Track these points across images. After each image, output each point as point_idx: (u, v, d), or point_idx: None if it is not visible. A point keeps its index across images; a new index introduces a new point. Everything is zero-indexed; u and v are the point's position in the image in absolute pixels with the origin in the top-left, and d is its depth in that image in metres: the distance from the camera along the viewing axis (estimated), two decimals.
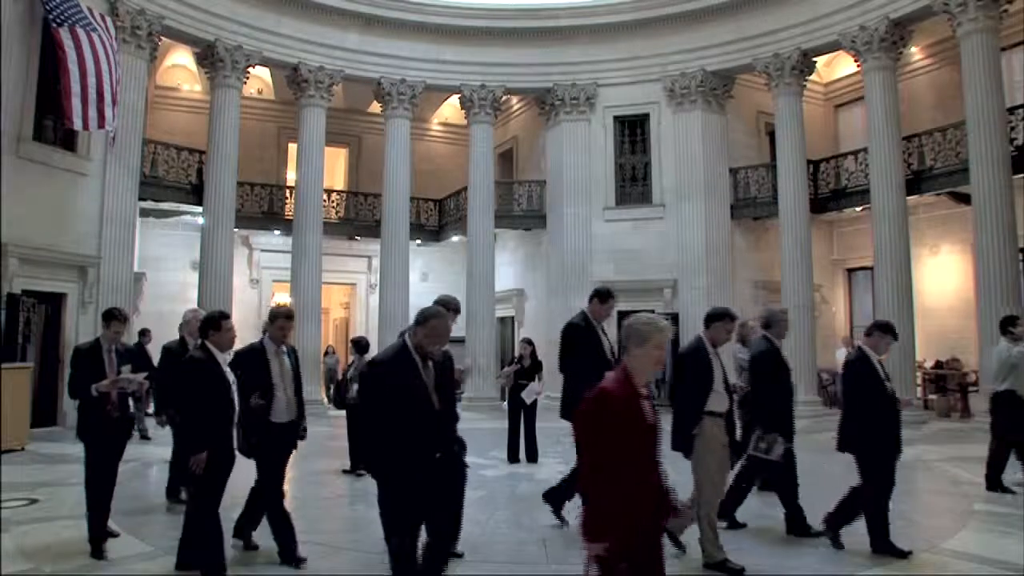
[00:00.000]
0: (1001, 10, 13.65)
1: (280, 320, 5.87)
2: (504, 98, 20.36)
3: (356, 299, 22.84)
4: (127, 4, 14.87)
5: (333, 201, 21.18)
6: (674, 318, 17.82)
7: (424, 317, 4.31)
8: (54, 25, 12.86)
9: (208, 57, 16.98)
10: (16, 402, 11.03)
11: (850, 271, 19.19)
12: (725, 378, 5.75)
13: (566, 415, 6.12)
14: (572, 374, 6.52)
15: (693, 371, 5.67)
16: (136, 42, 15.17)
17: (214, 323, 5.43)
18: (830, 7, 15.99)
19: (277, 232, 20.16)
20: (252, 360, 5.80)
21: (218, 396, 5.20)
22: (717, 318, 5.87)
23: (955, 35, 14.12)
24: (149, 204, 17.09)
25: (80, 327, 14.03)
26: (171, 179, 17.46)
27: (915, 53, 17.56)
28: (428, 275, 22.78)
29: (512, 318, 22.10)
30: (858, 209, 17.01)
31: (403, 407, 4.11)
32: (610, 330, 6.73)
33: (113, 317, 6.18)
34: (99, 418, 5.94)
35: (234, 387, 5.33)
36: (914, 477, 9.28)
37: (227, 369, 5.34)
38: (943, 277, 16.53)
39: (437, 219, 22.66)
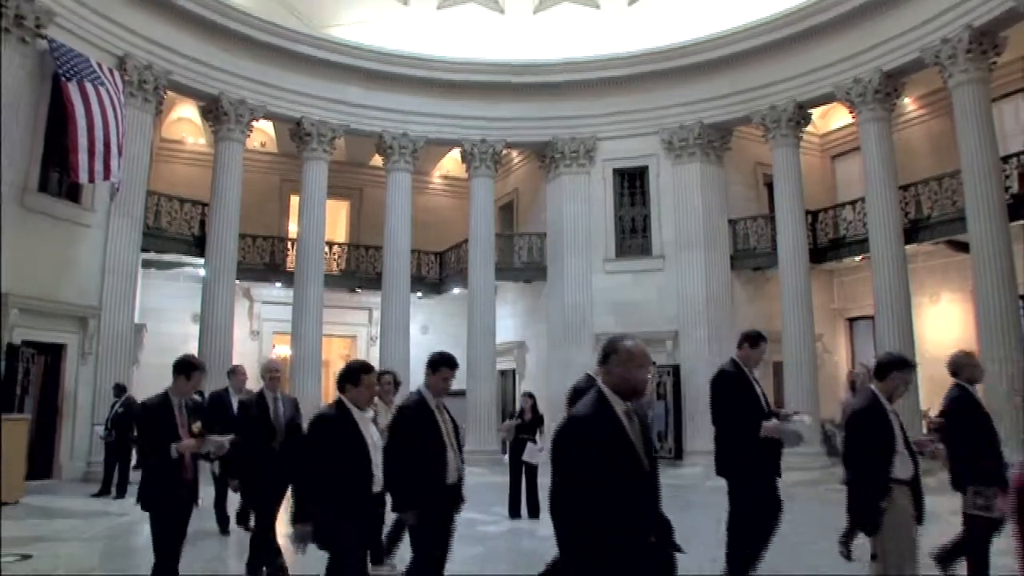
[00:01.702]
0: (990, 62, 13.88)
1: (444, 370, 5.12)
2: (504, 152, 20.60)
3: (356, 351, 22.76)
4: (135, 59, 15.14)
5: (334, 253, 21.27)
6: (675, 370, 17.83)
7: (614, 348, 3.23)
8: (64, 79, 13.10)
9: (212, 111, 17.23)
10: (13, 454, 10.95)
11: (851, 320, 19.18)
12: (906, 437, 4.72)
13: (722, 472, 5.89)
14: (726, 427, 5.94)
15: (872, 432, 4.65)
16: (143, 96, 15.41)
17: (353, 376, 4.77)
18: (824, 60, 16.28)
19: (278, 284, 20.20)
20: (421, 415, 5.03)
21: (356, 462, 4.54)
22: (895, 366, 4.79)
23: (947, 86, 14.33)
24: (151, 255, 17.16)
25: (80, 378, 14.02)
26: (174, 231, 17.57)
27: (909, 104, 17.80)
28: (429, 327, 22.75)
29: (513, 371, 22.01)
30: (857, 258, 17.08)
31: (612, 474, 3.00)
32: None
33: (193, 368, 5.48)
34: (171, 483, 5.22)
35: (375, 449, 4.71)
36: None
37: (366, 428, 4.72)
38: (944, 325, 16.50)
39: (438, 271, 22.72)
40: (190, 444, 5.25)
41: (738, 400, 5.88)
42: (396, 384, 7.69)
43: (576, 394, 6.34)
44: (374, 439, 4.73)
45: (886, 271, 15.13)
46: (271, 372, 7.08)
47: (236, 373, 9.16)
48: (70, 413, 13.88)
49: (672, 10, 18.72)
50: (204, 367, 5.72)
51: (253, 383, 8.41)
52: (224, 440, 5.62)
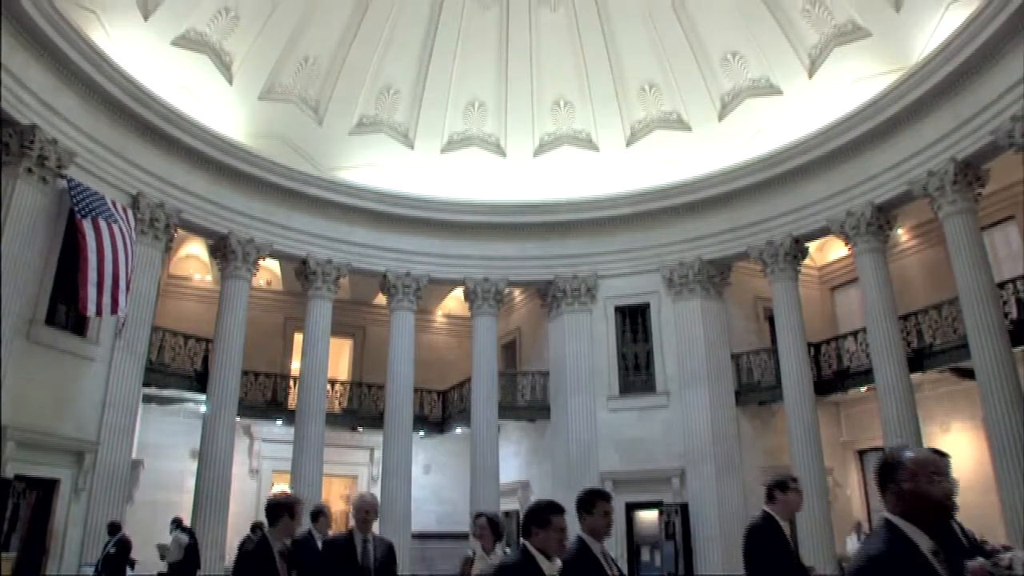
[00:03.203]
0: (976, 192, 14.29)
1: (601, 503, 4.19)
2: (507, 291, 20.88)
3: (357, 491, 22.20)
4: (148, 197, 15.64)
5: (337, 392, 21.18)
6: (683, 508, 17.33)
7: (896, 462, 2.64)
8: (79, 216, 13.49)
9: (220, 249, 17.63)
10: None
11: (861, 452, 18.77)
12: None
13: None
14: None
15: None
16: (153, 233, 15.80)
17: (540, 517, 3.91)
18: (817, 195, 16.77)
19: (279, 422, 19.97)
20: (589, 569, 4.07)
21: None
22: None
23: (937, 217, 14.69)
24: (152, 390, 17.08)
25: (71, 515, 13.59)
26: (176, 366, 17.56)
27: (902, 235, 18.18)
28: (431, 467, 22.32)
29: (517, 511, 21.34)
30: (863, 389, 16.93)
31: None
32: None
33: (297, 502, 4.92)
34: None
35: None
36: None
37: None
38: (958, 454, 15.84)
39: (441, 410, 22.51)
40: None
41: (776, 558, 5.31)
42: (495, 528, 6.46)
43: (754, 533, 5.44)
44: None
45: (893, 402, 14.95)
46: (364, 510, 5.85)
47: (322, 514, 8.17)
48: (57, 552, 13.36)
49: (669, 150, 19.50)
50: (329, 512, 5.15)
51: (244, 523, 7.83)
52: None
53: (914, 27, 15.17)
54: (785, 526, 5.47)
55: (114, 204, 14.46)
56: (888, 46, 15.74)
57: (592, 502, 4.09)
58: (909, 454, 2.62)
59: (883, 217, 15.91)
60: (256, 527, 12.87)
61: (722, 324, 18.86)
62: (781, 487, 5.54)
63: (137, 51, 15.53)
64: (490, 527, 6.37)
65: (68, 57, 13.43)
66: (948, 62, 13.79)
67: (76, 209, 13.57)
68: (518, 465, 21.44)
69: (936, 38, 14.43)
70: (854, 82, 16.23)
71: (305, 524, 7.20)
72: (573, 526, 4.06)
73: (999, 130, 13.12)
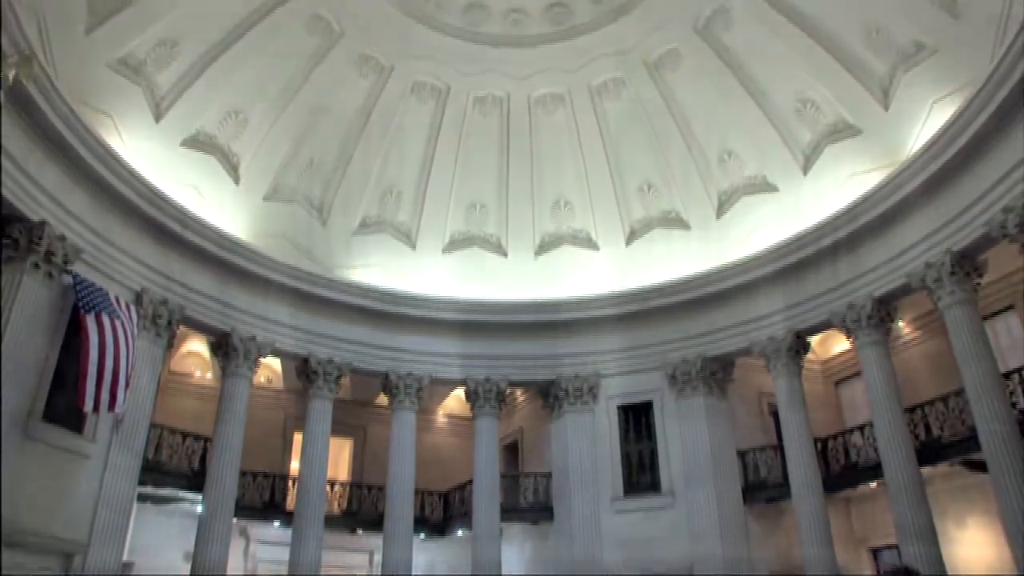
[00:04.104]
0: (975, 283, 14.37)
1: None
2: (509, 390, 20.74)
3: None
4: (152, 294, 15.75)
5: (336, 493, 20.76)
6: None
7: None
8: (82, 312, 13.56)
9: (222, 346, 17.62)
10: None
11: (875, 550, 18.19)
12: None
13: None
14: None
15: None
16: (156, 330, 15.82)
17: None
18: (817, 289, 16.86)
19: (277, 523, 19.46)
20: None
21: None
22: None
23: (938, 308, 14.72)
24: (148, 489, 16.73)
25: None
26: (173, 465, 17.24)
27: (904, 327, 18.19)
28: (432, 570, 21.64)
29: None
30: (872, 484, 16.57)
31: None
32: None
33: None
34: None
35: None
36: None
37: None
38: (976, 550, 15.57)
39: (442, 512, 22.02)
40: None
41: None
42: None
43: None
44: None
45: (904, 497, 14.58)
46: None
47: None
48: None
49: (668, 248, 19.75)
50: None
51: None
52: None
53: (903, 124, 15.61)
54: None
55: (117, 300, 14.55)
56: (879, 143, 16.16)
57: None
58: None
59: (884, 309, 15.94)
60: None
61: (727, 421, 18.65)
62: None
63: (148, 151, 15.97)
64: None
65: (81, 157, 13.78)
66: (936, 159, 14.14)
67: (80, 304, 13.65)
68: (521, 568, 20.79)
69: (925, 133, 14.82)
70: (849, 177, 16.58)
71: None
72: None
73: (992, 221, 13.32)
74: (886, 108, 15.88)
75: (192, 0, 15.57)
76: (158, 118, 16.27)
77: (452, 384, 21.19)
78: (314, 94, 18.46)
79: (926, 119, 15.12)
